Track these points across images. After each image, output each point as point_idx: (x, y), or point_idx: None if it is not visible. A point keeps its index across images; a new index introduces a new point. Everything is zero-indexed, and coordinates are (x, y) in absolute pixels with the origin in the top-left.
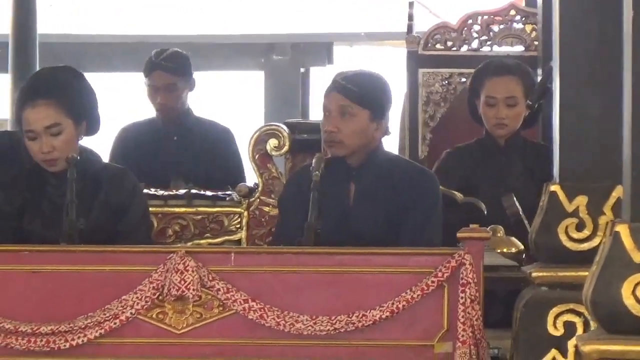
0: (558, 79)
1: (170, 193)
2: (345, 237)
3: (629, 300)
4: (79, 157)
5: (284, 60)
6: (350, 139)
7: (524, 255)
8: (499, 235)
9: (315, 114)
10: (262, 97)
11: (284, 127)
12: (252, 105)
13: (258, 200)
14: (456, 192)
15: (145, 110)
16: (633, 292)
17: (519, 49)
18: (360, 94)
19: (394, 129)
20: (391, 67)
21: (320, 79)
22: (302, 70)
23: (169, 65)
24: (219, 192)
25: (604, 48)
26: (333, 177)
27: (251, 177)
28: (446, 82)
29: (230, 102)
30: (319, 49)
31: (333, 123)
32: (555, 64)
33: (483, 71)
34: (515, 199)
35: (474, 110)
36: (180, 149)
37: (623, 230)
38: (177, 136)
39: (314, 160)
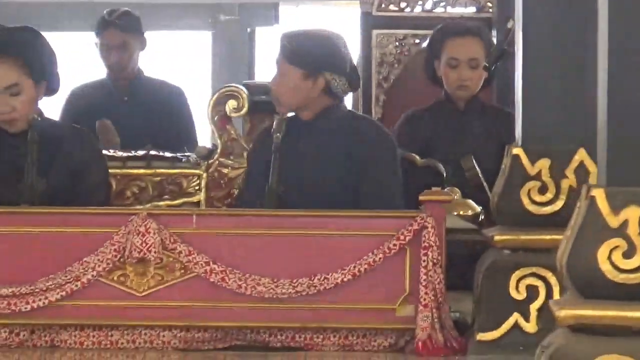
0: (521, 41)
1: (129, 154)
2: (304, 197)
3: (604, 265)
4: (39, 118)
5: (231, 20)
6: (285, 97)
7: (480, 217)
8: (455, 197)
9: (262, 74)
10: (210, 57)
11: (243, 88)
12: (200, 65)
13: (217, 162)
14: (415, 155)
15: (94, 71)
16: (609, 256)
17: (472, 10)
18: (291, 52)
19: None
20: (341, 27)
21: (266, 39)
22: (248, 30)
23: (121, 23)
24: (178, 154)
25: (567, 8)
26: (292, 137)
27: (207, 139)
28: (400, 43)
29: (178, 62)
30: (266, 8)
31: (272, 81)
32: (518, 25)
33: (444, 32)
34: (474, 161)
35: (432, 72)
36: (132, 110)
37: (599, 194)
38: (128, 96)
39: (274, 122)
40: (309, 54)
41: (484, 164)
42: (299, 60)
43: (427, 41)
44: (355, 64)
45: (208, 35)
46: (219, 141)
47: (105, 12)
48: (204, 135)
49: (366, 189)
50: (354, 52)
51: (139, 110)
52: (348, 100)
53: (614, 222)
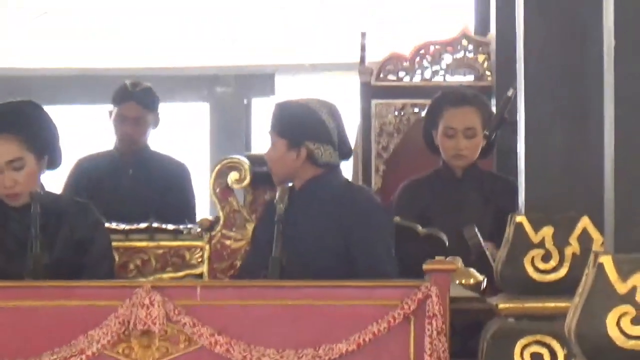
0: (523, 109)
1: (132, 227)
2: (304, 266)
3: (613, 332)
4: (41, 192)
5: (227, 91)
6: (274, 167)
7: (482, 286)
8: (457, 266)
9: (259, 145)
10: (208, 129)
11: (245, 159)
12: (198, 136)
13: (220, 233)
14: (417, 225)
15: (95, 143)
16: (617, 323)
17: (470, 78)
18: (276, 122)
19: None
20: (340, 97)
21: (263, 109)
22: (245, 101)
23: (142, 98)
24: (181, 226)
25: (568, 77)
26: (292, 207)
27: (207, 210)
28: (399, 112)
29: (177, 133)
30: (262, 80)
31: (266, 151)
32: (520, 93)
33: (441, 101)
34: (477, 230)
35: (430, 141)
36: (136, 183)
37: (607, 261)
38: (133, 169)
39: (277, 193)
40: (290, 123)
41: (482, 231)
42: (282, 130)
43: (425, 110)
44: (356, 132)
45: (206, 107)
46: (220, 213)
47: (127, 83)
48: (204, 206)
49: (356, 256)
50: (353, 122)
51: (142, 184)
52: (348, 171)
53: (622, 288)
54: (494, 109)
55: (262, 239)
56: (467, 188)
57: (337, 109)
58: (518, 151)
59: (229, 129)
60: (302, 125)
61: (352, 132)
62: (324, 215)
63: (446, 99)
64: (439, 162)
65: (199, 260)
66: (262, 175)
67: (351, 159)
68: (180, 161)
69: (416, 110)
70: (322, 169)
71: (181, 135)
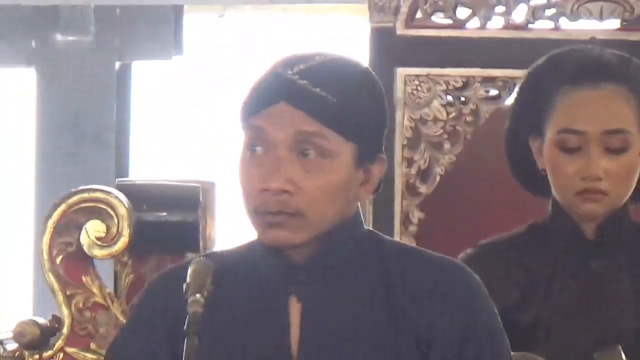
0: None
1: None
2: None
3: None
4: None
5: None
6: (319, 208)
7: None
8: None
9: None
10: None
11: (118, 193)
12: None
13: (61, 353)
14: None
15: None
16: None
17: (614, 24)
18: (341, 109)
19: None
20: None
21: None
22: (117, 64)
23: None
24: None
25: None
26: (249, 291)
27: (37, 306)
28: (456, 96)
29: None
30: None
31: (283, 174)
32: None
33: (549, 76)
34: (623, 354)
35: (525, 163)
36: None
37: None
38: None
39: (189, 270)
40: (369, 114)
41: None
42: (353, 127)
43: (514, 96)
44: None
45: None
46: (64, 310)
47: None
48: (25, 295)
49: None
50: None
51: None
52: None
53: None
54: None
55: None
56: (605, 262)
57: None
58: None
59: (84, 115)
60: (381, 115)
61: None
62: (360, 305)
63: (560, 71)
64: (546, 208)
65: None
66: (156, 228)
67: None
68: None
69: (493, 92)
70: (355, 210)
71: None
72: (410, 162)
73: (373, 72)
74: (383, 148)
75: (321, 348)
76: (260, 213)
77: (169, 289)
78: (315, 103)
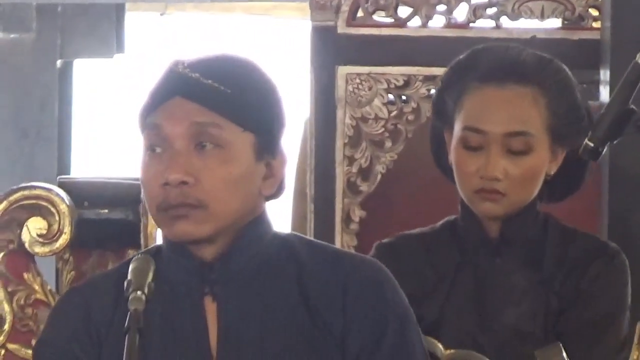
0: None
1: None
2: None
3: None
4: None
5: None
6: (221, 198)
7: None
8: None
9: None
10: None
11: (59, 190)
12: None
13: (3, 350)
14: (436, 342)
15: None
16: None
17: (553, 22)
18: (234, 99)
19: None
20: (268, 57)
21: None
22: (58, 63)
23: None
24: None
25: None
26: (165, 292)
27: None
28: (396, 94)
29: None
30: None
31: (181, 166)
32: None
33: (463, 72)
34: (564, 352)
35: (446, 155)
36: None
37: None
38: None
39: (130, 267)
40: (263, 106)
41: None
42: (249, 117)
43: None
44: (301, 137)
45: None
46: (6, 307)
47: None
48: None
49: None
50: (295, 113)
51: None
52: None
53: None
54: (605, 93)
55: None
56: (507, 260)
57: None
58: None
59: (26, 113)
60: (276, 108)
61: (293, 133)
62: (276, 305)
63: (473, 67)
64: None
65: None
66: (97, 225)
67: (290, 191)
68: None
69: (434, 91)
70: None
71: None
72: (351, 160)
73: (266, 72)
74: (282, 144)
75: (241, 348)
76: (163, 209)
77: (90, 297)
78: (208, 94)
